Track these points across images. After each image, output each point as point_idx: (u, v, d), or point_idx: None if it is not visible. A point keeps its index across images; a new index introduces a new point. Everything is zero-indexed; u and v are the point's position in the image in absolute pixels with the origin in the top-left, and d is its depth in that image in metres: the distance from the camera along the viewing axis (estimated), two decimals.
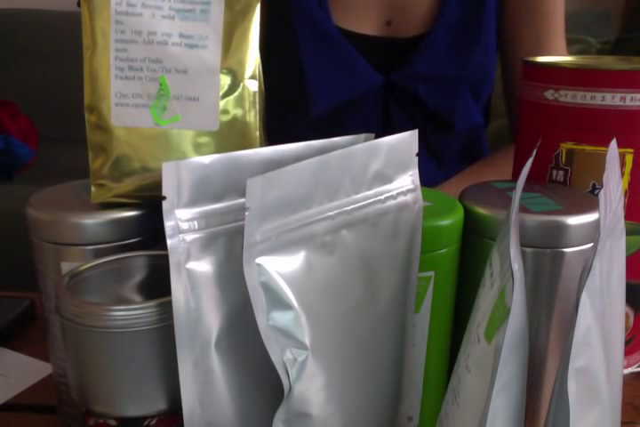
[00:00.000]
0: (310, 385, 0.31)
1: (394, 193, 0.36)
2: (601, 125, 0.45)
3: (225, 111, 0.41)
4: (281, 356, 0.30)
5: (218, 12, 0.41)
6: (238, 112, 0.41)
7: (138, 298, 0.38)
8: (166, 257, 0.31)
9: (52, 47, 1.91)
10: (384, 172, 0.35)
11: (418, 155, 0.37)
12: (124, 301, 0.38)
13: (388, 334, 0.37)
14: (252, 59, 0.42)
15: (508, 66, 0.78)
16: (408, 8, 0.72)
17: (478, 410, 0.29)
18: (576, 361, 0.28)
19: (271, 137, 0.71)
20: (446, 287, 0.41)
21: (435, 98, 0.72)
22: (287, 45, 0.71)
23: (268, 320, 0.30)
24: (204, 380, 0.32)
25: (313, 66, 0.70)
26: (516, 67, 0.77)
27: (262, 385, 0.34)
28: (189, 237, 0.31)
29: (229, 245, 0.33)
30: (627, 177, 0.47)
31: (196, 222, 0.32)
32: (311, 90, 0.71)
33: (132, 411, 0.34)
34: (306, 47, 0.70)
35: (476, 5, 0.71)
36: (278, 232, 0.30)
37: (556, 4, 0.75)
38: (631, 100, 0.44)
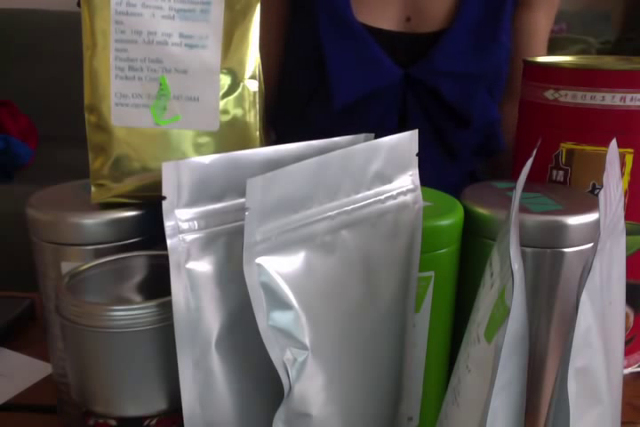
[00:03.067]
0: (310, 385, 0.31)
1: (394, 193, 0.36)
2: (601, 125, 0.45)
3: (225, 111, 0.41)
4: (281, 356, 0.30)
5: (218, 12, 0.41)
6: (238, 112, 0.41)
7: (138, 298, 0.38)
8: (166, 257, 0.31)
9: (52, 47, 1.91)
10: (384, 172, 0.35)
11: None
12: (124, 301, 0.38)
13: (388, 334, 0.37)
14: (252, 59, 0.42)
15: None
16: (428, 4, 0.72)
17: (478, 410, 0.29)
18: (576, 361, 0.28)
19: (291, 130, 0.71)
20: (446, 287, 0.41)
21: (454, 94, 0.72)
22: (309, 39, 0.71)
23: (268, 320, 0.30)
24: (204, 380, 0.32)
25: (335, 59, 0.71)
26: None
27: (262, 385, 0.34)
28: (189, 237, 0.31)
29: (229, 245, 0.33)
30: (627, 177, 0.47)
31: (195, 222, 0.32)
32: (332, 83, 0.71)
33: (132, 411, 0.34)
34: (328, 41, 0.71)
35: (497, 4, 0.72)
36: (278, 232, 0.30)
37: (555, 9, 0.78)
38: (631, 100, 0.44)
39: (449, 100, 0.72)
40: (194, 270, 0.31)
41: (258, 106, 0.42)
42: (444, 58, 0.71)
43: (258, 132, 0.42)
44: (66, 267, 0.40)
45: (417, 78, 0.72)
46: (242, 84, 0.41)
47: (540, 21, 0.78)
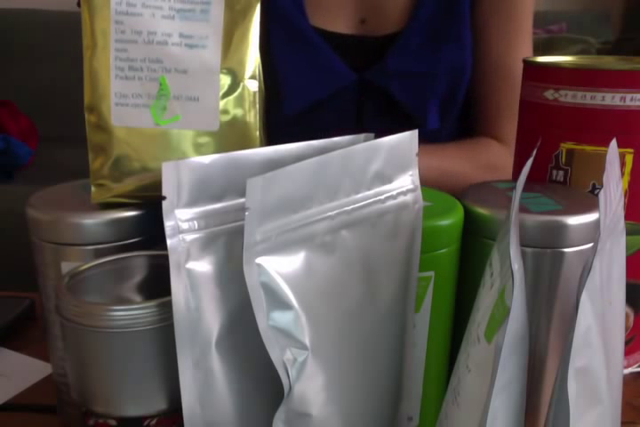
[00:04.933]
0: (310, 385, 0.31)
1: (394, 193, 0.36)
2: (601, 125, 0.45)
3: (225, 111, 0.41)
4: (281, 356, 0.30)
5: (218, 12, 0.41)
6: (238, 112, 0.41)
7: (138, 298, 0.38)
8: (166, 257, 0.31)
9: (52, 47, 1.91)
10: (384, 172, 0.35)
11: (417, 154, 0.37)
12: (124, 301, 0.38)
13: (387, 334, 0.37)
14: (252, 59, 0.42)
15: (476, 65, 0.76)
16: (382, 6, 0.71)
17: (478, 410, 0.29)
18: (576, 361, 0.28)
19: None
20: (446, 287, 0.41)
21: (406, 96, 0.71)
22: (261, 44, 0.71)
23: (268, 320, 0.30)
24: (204, 380, 0.32)
25: (287, 65, 0.70)
26: (482, 65, 0.75)
27: (262, 385, 0.34)
28: (189, 237, 0.31)
29: (229, 245, 0.33)
30: (627, 177, 0.47)
31: (195, 222, 0.32)
32: (285, 89, 0.70)
33: (132, 411, 0.34)
34: (280, 46, 0.70)
35: (451, 4, 0.70)
36: (278, 232, 0.30)
37: (525, 5, 0.74)
38: (631, 100, 0.44)
39: (399, 99, 0.71)
40: (194, 270, 0.31)
41: (258, 106, 0.42)
42: (396, 60, 0.70)
43: (258, 132, 0.42)
44: (66, 267, 0.40)
45: (370, 81, 0.71)
46: (242, 84, 0.41)
47: (492, 28, 0.73)
